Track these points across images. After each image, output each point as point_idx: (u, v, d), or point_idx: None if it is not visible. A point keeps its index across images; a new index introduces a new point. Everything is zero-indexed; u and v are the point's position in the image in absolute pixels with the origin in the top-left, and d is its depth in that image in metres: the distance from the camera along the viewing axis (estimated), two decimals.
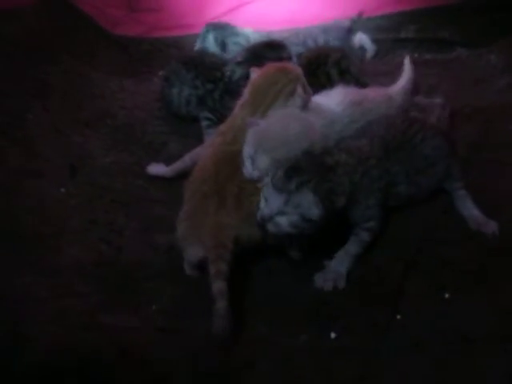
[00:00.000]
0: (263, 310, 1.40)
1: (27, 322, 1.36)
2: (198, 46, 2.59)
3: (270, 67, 1.71)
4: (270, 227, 1.33)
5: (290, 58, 2.11)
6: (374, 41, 2.87)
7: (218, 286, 1.29)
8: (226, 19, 2.97)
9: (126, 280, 1.51)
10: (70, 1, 2.89)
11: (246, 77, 1.87)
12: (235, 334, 1.28)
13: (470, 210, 1.60)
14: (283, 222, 1.32)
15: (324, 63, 2.15)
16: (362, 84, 2.21)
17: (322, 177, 1.34)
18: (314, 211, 1.31)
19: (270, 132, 1.47)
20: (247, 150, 1.47)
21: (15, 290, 1.45)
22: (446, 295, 1.38)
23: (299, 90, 1.61)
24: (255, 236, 1.41)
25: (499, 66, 2.50)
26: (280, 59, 2.02)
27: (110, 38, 2.93)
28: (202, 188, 1.47)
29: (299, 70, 1.71)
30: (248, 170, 1.46)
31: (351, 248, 1.47)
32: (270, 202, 1.32)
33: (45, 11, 2.71)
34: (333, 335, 1.30)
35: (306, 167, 1.34)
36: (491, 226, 1.54)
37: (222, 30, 2.54)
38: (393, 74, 2.57)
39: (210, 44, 2.55)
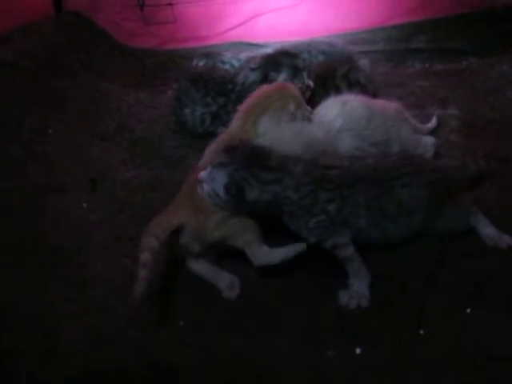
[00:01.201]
0: (288, 324, 1.41)
1: (57, 339, 1.39)
2: None
3: (270, 85, 1.82)
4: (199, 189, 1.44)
5: (304, 68, 2.12)
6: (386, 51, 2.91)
7: (143, 257, 1.39)
8: (238, 31, 3.03)
9: (153, 294, 1.52)
10: (86, 14, 2.93)
11: (260, 82, 1.92)
12: (261, 348, 1.31)
13: (485, 228, 1.57)
14: (205, 187, 1.43)
15: (332, 77, 2.19)
16: (372, 93, 2.25)
17: (247, 167, 1.40)
18: (221, 191, 1.39)
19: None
20: None
21: (45, 307, 1.48)
22: (468, 310, 1.39)
23: (291, 107, 1.69)
24: (207, 230, 1.50)
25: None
26: (294, 66, 2.07)
27: (124, 51, 2.98)
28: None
29: (296, 91, 1.78)
30: None
31: (349, 267, 1.47)
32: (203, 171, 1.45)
33: (61, 25, 2.77)
34: (358, 350, 1.32)
35: (239, 152, 1.42)
36: (505, 241, 1.55)
37: (210, 58, 2.52)
38: (406, 85, 2.62)
39: None
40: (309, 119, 1.76)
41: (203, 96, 2.22)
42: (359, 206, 1.43)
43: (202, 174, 1.43)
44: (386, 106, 1.88)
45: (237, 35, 3.01)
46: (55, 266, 1.63)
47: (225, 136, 1.74)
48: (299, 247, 1.43)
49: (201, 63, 2.48)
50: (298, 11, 3.01)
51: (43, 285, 1.55)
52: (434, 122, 2.14)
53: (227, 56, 2.50)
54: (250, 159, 1.42)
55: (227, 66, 2.46)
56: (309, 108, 1.79)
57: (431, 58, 2.84)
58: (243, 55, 2.52)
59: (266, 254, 1.46)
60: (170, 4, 2.97)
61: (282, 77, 2.04)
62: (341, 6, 2.98)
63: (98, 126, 2.38)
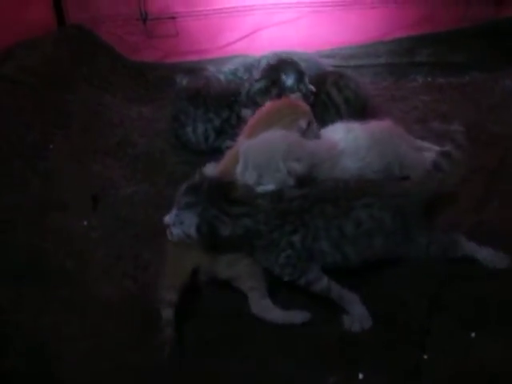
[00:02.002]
0: (290, 349, 1.40)
1: (57, 362, 1.39)
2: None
3: (281, 100, 1.81)
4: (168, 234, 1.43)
5: (305, 72, 2.12)
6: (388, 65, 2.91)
7: (166, 314, 1.43)
8: (240, 44, 3.03)
9: (152, 317, 1.51)
10: (88, 28, 2.93)
11: (267, 89, 1.99)
12: (262, 373, 1.30)
13: (477, 251, 1.53)
14: (174, 231, 1.41)
15: (323, 83, 2.20)
16: (361, 100, 2.26)
17: (214, 204, 1.37)
18: (193, 232, 1.38)
19: (256, 149, 1.55)
20: (238, 168, 1.55)
21: (44, 329, 1.47)
22: (472, 334, 1.38)
23: (301, 122, 1.68)
24: (218, 267, 1.50)
25: None
26: (298, 70, 2.08)
27: (127, 65, 2.97)
28: None
29: (307, 108, 1.77)
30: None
31: (334, 298, 1.45)
32: (170, 212, 1.42)
33: (64, 39, 2.77)
34: (361, 376, 1.31)
35: (204, 190, 1.39)
36: (504, 261, 1.52)
37: (194, 74, 2.48)
38: (408, 99, 2.61)
39: None
40: (318, 136, 1.74)
41: (204, 112, 2.19)
42: (319, 228, 1.40)
43: (168, 219, 1.41)
44: (382, 127, 1.85)
45: (239, 49, 3.00)
46: (56, 287, 1.62)
47: (234, 151, 1.71)
48: (302, 317, 1.44)
49: (184, 81, 2.42)
50: (300, 25, 2.99)
51: (43, 306, 1.54)
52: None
53: (210, 70, 2.48)
54: (216, 195, 1.39)
55: (208, 75, 2.44)
56: (317, 125, 1.78)
57: (433, 71, 2.81)
58: (226, 68, 2.51)
59: (266, 309, 1.47)
60: (173, 17, 2.97)
61: (290, 80, 2.04)
62: (343, 20, 2.97)
63: (100, 141, 2.36)
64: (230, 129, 2.19)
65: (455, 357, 1.34)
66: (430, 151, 2.02)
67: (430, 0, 2.91)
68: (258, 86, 2.09)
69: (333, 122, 1.87)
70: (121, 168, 2.23)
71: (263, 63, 2.34)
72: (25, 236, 1.79)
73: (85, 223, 1.91)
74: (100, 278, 1.66)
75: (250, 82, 2.15)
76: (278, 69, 2.10)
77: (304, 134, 1.67)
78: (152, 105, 2.71)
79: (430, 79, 2.78)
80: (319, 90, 2.15)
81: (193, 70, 2.56)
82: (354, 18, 2.97)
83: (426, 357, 1.35)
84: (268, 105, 1.83)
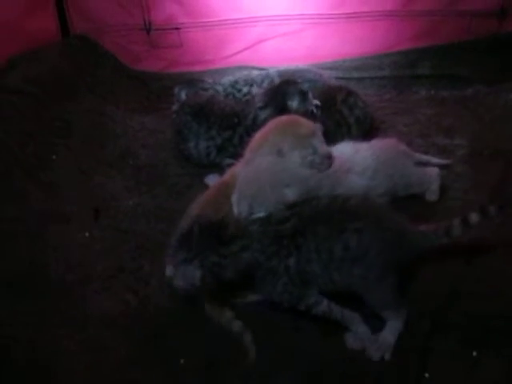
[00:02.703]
0: (289, 368, 1.39)
1: (56, 376, 1.39)
2: (175, 107, 2.42)
3: (285, 117, 1.76)
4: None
5: (307, 90, 2.10)
6: (391, 77, 2.92)
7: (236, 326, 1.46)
8: (244, 55, 3.03)
9: (153, 332, 1.51)
10: (92, 38, 2.94)
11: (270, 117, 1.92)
12: None
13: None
14: (177, 284, 1.38)
15: (334, 103, 2.20)
16: (369, 118, 2.29)
17: (211, 251, 1.34)
18: (197, 281, 1.35)
19: (247, 179, 1.53)
20: (233, 196, 1.53)
21: (44, 342, 1.47)
22: (474, 353, 1.37)
23: (284, 147, 1.60)
24: None
25: None
26: (300, 91, 2.06)
27: (130, 75, 2.98)
28: None
29: (305, 130, 1.67)
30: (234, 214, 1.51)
31: (337, 318, 1.44)
32: (168, 265, 1.38)
33: (68, 50, 2.78)
34: None
35: (197, 239, 1.35)
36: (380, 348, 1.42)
37: (192, 86, 2.47)
38: (411, 112, 2.61)
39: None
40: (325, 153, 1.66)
41: (206, 130, 2.18)
42: (311, 250, 1.36)
43: (169, 272, 1.38)
44: (388, 147, 1.85)
45: (243, 59, 3.01)
46: (56, 299, 1.63)
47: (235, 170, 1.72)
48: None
49: (183, 93, 2.42)
50: (305, 36, 3.00)
51: (44, 319, 1.54)
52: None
53: (209, 82, 2.48)
54: (210, 240, 1.35)
55: (210, 92, 2.43)
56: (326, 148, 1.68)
57: (437, 84, 2.82)
58: (226, 80, 2.50)
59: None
60: (177, 28, 2.97)
61: (295, 103, 2.03)
62: (347, 32, 2.97)
63: (102, 152, 2.37)
64: (231, 147, 2.18)
65: (457, 376, 1.34)
66: (430, 164, 2.03)
67: (433, 13, 2.91)
68: (264, 114, 2.06)
69: (342, 140, 1.85)
70: (123, 179, 2.23)
71: (265, 82, 2.35)
72: (25, 248, 1.80)
73: (87, 235, 1.91)
74: (101, 291, 1.66)
75: (253, 106, 2.12)
76: (282, 93, 2.08)
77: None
78: (155, 115, 2.72)
79: (432, 92, 2.78)
80: (330, 108, 2.16)
81: (191, 81, 2.54)
82: (357, 30, 2.97)
83: (427, 375, 1.34)
84: (273, 121, 1.77)
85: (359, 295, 1.40)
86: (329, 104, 2.18)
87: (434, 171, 1.97)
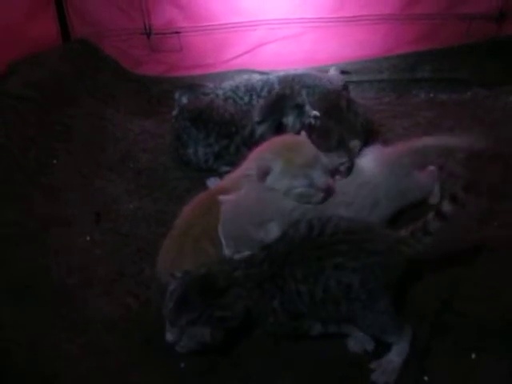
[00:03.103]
0: (289, 372, 1.41)
1: (58, 380, 1.40)
2: (175, 112, 2.39)
3: (287, 140, 1.71)
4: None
5: (303, 103, 2.10)
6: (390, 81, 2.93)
7: None
8: (244, 59, 3.04)
9: (154, 335, 1.51)
10: (93, 42, 2.96)
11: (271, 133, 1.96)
12: None
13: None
14: (185, 346, 1.34)
15: (340, 110, 2.17)
16: (370, 124, 2.29)
17: (212, 306, 1.32)
18: (208, 338, 1.32)
19: (229, 219, 1.48)
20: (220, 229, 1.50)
21: (45, 346, 1.48)
22: (473, 355, 1.38)
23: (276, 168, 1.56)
24: None
25: None
26: (297, 105, 2.06)
27: (131, 79, 2.99)
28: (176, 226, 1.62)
29: (313, 154, 1.61)
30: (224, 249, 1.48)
31: (333, 329, 1.44)
32: (168, 330, 1.34)
33: (68, 54, 2.79)
34: None
35: (194, 299, 1.33)
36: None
37: (193, 91, 2.46)
38: (411, 115, 2.62)
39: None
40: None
41: (205, 137, 2.18)
42: (292, 292, 1.33)
43: (171, 337, 1.34)
44: (387, 164, 1.77)
45: (243, 63, 3.02)
46: (58, 303, 1.63)
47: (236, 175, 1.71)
48: None
49: (183, 98, 2.39)
50: (304, 40, 3.00)
51: (45, 323, 1.55)
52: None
53: (210, 87, 2.47)
54: (207, 296, 1.33)
55: (212, 96, 2.40)
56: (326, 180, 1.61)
57: (436, 87, 2.83)
58: (226, 84, 2.47)
59: None
60: (177, 32, 2.98)
61: (290, 119, 2.03)
62: (346, 36, 2.98)
63: (102, 156, 2.38)
64: (227, 156, 2.19)
65: (455, 378, 1.35)
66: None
67: (433, 17, 2.92)
68: (261, 130, 2.06)
69: None
70: (123, 183, 2.24)
71: (265, 89, 2.37)
72: (27, 252, 1.80)
73: (88, 239, 1.92)
74: (102, 295, 1.67)
75: (251, 119, 2.12)
76: (277, 110, 2.08)
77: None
78: (155, 119, 2.72)
79: (432, 95, 2.79)
80: (338, 116, 2.13)
81: (192, 86, 2.54)
82: (356, 33, 2.98)
83: (426, 378, 1.35)
84: (273, 141, 1.72)
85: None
86: (335, 112, 2.17)
87: (432, 173, 1.96)
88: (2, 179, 2.02)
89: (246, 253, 1.42)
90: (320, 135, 1.75)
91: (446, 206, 1.32)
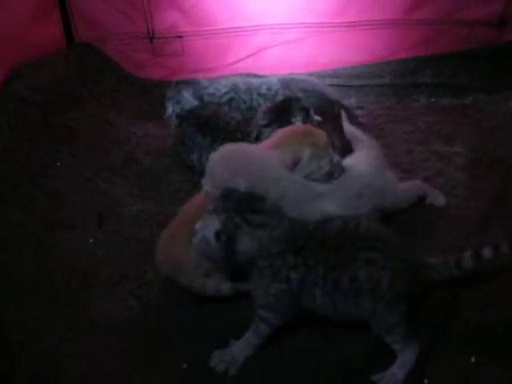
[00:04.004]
0: (290, 373, 1.41)
1: (64, 381, 1.41)
2: (171, 107, 2.44)
3: (298, 127, 1.81)
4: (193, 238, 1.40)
5: (309, 107, 2.13)
6: (391, 85, 2.95)
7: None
8: (245, 63, 3.07)
9: (156, 336, 1.53)
10: (96, 46, 2.98)
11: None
12: None
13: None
14: (196, 235, 1.38)
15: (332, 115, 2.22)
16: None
17: (239, 214, 1.34)
18: (211, 237, 1.34)
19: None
20: None
21: (49, 347, 1.49)
22: (473, 359, 1.39)
23: (304, 155, 1.63)
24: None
25: None
26: (303, 108, 2.08)
27: (133, 82, 3.02)
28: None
29: (324, 136, 1.71)
30: None
31: (250, 337, 1.43)
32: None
33: (72, 57, 2.82)
34: None
35: (234, 198, 1.37)
36: None
37: (194, 84, 2.49)
38: (411, 120, 2.63)
39: (188, 100, 2.45)
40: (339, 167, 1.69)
41: (211, 143, 2.17)
42: (318, 275, 1.34)
43: (197, 224, 1.39)
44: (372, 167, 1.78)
45: (244, 67, 3.04)
46: (61, 305, 1.65)
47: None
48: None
49: (185, 92, 2.40)
50: (306, 44, 3.03)
51: (48, 325, 1.57)
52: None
53: (206, 83, 2.50)
54: (244, 203, 1.37)
55: (211, 90, 2.46)
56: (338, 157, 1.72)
57: (437, 92, 2.84)
58: (226, 82, 2.52)
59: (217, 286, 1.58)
60: (179, 36, 3.01)
61: (297, 121, 2.03)
62: (347, 40, 3.01)
63: (105, 159, 2.40)
64: None
65: (455, 382, 1.35)
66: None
67: (433, 22, 2.95)
68: (268, 132, 2.02)
69: None
70: (126, 186, 2.25)
71: (263, 87, 2.41)
72: (31, 254, 1.82)
73: (91, 241, 1.93)
74: (104, 297, 1.68)
75: (255, 125, 2.12)
76: (285, 111, 2.08)
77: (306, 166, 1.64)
78: (157, 122, 2.73)
79: (433, 100, 2.81)
80: (330, 120, 2.17)
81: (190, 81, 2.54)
82: (358, 38, 3.00)
83: (426, 381, 1.36)
84: (285, 130, 1.79)
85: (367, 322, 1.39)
86: (329, 116, 2.20)
87: (418, 183, 1.95)
88: (6, 181, 2.04)
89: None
90: None
91: (487, 252, 1.41)
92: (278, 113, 2.08)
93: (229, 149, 1.65)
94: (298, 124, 1.90)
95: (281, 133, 1.77)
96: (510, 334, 1.43)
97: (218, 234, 1.34)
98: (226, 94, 2.46)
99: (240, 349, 1.43)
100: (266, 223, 1.36)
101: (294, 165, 1.62)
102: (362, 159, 1.81)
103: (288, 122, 2.01)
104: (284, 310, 1.39)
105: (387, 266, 1.32)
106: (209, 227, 1.36)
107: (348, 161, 1.79)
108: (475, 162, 2.23)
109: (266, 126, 2.07)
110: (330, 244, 1.35)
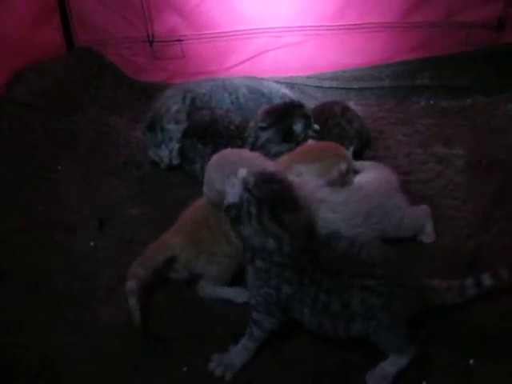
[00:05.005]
0: (292, 375, 1.42)
1: None
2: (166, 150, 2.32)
3: (325, 142, 1.87)
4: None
5: (310, 116, 2.08)
6: (391, 88, 2.96)
7: (130, 285, 1.55)
8: (245, 66, 3.08)
9: (156, 340, 1.54)
10: (96, 50, 3.00)
11: (277, 139, 1.98)
12: None
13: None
14: (226, 183, 1.36)
15: (332, 116, 2.22)
16: (367, 131, 2.31)
17: (260, 203, 1.27)
18: (225, 201, 1.32)
19: None
20: None
21: (50, 351, 1.50)
22: (471, 361, 1.40)
23: (342, 166, 1.67)
24: (196, 263, 1.63)
25: None
26: (305, 115, 2.05)
27: (133, 86, 3.03)
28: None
29: (348, 154, 1.77)
30: None
31: (246, 342, 1.43)
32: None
33: (72, 61, 2.84)
34: None
35: (270, 184, 1.30)
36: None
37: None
38: (410, 122, 2.64)
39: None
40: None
41: (212, 151, 2.06)
42: (309, 295, 1.33)
43: (241, 171, 1.33)
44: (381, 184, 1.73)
45: (244, 70, 3.04)
46: (61, 308, 1.66)
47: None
48: (243, 296, 1.59)
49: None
50: (306, 48, 3.03)
51: (49, 328, 1.58)
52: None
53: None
54: (275, 198, 1.28)
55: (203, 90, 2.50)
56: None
57: (436, 94, 2.86)
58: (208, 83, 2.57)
59: (212, 290, 1.65)
60: (179, 40, 3.02)
61: (299, 128, 2.01)
62: (347, 43, 3.01)
63: (106, 162, 2.41)
64: None
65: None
66: None
67: (432, 24, 2.95)
68: (266, 136, 2.02)
69: None
70: (126, 189, 2.26)
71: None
72: (32, 257, 1.83)
73: (91, 244, 1.94)
74: (105, 300, 1.69)
75: (252, 128, 2.08)
76: (287, 116, 2.04)
77: (342, 179, 1.66)
78: None
79: (432, 102, 2.82)
80: (330, 122, 2.18)
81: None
82: (357, 41, 3.01)
83: (424, 383, 1.37)
84: (312, 143, 1.87)
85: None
86: (326, 119, 2.20)
87: (425, 211, 1.84)
88: (7, 185, 2.05)
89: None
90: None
91: (487, 280, 1.43)
92: (278, 116, 2.04)
93: (224, 152, 1.68)
94: (310, 143, 1.89)
95: (308, 148, 1.82)
96: (509, 337, 1.45)
97: (228, 207, 1.31)
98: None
99: (237, 354, 1.44)
100: (278, 234, 1.29)
101: (342, 178, 1.65)
102: (374, 179, 1.75)
103: (288, 129, 2.00)
104: (274, 313, 1.38)
105: (383, 293, 1.31)
106: (232, 189, 1.30)
107: (360, 179, 1.75)
108: (474, 163, 2.24)
109: (264, 128, 2.03)
110: (330, 268, 1.33)
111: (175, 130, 2.27)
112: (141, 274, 1.58)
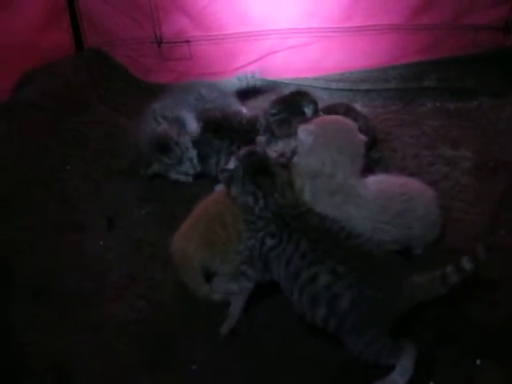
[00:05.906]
0: (299, 371, 1.44)
1: (74, 382, 1.43)
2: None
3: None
4: None
5: (317, 103, 2.13)
6: (397, 90, 2.97)
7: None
8: (252, 67, 3.09)
9: (166, 338, 1.56)
10: (105, 51, 3.02)
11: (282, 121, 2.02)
12: None
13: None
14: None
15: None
16: (372, 130, 2.32)
17: (245, 170, 1.58)
18: (227, 165, 1.71)
19: None
20: None
21: (59, 349, 1.52)
22: (478, 361, 1.41)
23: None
24: (213, 262, 1.67)
25: None
26: (314, 102, 2.10)
27: (142, 87, 3.05)
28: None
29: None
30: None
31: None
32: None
33: (82, 63, 2.86)
34: None
35: (252, 158, 1.61)
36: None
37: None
38: (417, 124, 2.65)
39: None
40: None
41: (228, 145, 2.18)
42: (286, 251, 1.43)
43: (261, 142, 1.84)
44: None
45: (251, 71, 3.07)
46: (71, 307, 1.68)
47: None
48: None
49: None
50: (313, 49, 3.05)
51: (59, 327, 1.60)
52: None
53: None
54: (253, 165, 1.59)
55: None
56: None
57: (442, 96, 2.85)
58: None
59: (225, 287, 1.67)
60: (187, 41, 3.04)
61: (309, 111, 2.05)
62: (354, 45, 3.03)
63: (115, 162, 2.43)
64: None
65: None
66: None
67: (439, 27, 2.96)
68: (277, 118, 2.07)
69: None
70: (135, 189, 2.28)
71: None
72: (42, 257, 1.86)
73: (101, 243, 1.96)
74: (114, 299, 1.71)
75: (261, 121, 2.14)
76: (297, 101, 2.10)
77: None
78: None
79: (438, 104, 2.82)
80: None
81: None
82: (364, 43, 3.02)
83: None
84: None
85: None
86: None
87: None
88: (17, 185, 2.07)
89: None
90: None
91: (467, 264, 1.38)
92: (289, 102, 2.11)
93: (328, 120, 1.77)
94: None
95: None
96: None
97: (221, 170, 1.68)
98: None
99: (233, 308, 1.57)
100: (254, 192, 1.54)
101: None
102: (424, 187, 1.80)
103: (300, 112, 2.05)
104: (256, 264, 1.52)
105: (353, 286, 1.32)
106: (235, 161, 1.64)
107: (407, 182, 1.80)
108: (481, 165, 2.24)
109: (275, 114, 2.09)
110: (311, 234, 1.43)
111: (187, 140, 2.30)
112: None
